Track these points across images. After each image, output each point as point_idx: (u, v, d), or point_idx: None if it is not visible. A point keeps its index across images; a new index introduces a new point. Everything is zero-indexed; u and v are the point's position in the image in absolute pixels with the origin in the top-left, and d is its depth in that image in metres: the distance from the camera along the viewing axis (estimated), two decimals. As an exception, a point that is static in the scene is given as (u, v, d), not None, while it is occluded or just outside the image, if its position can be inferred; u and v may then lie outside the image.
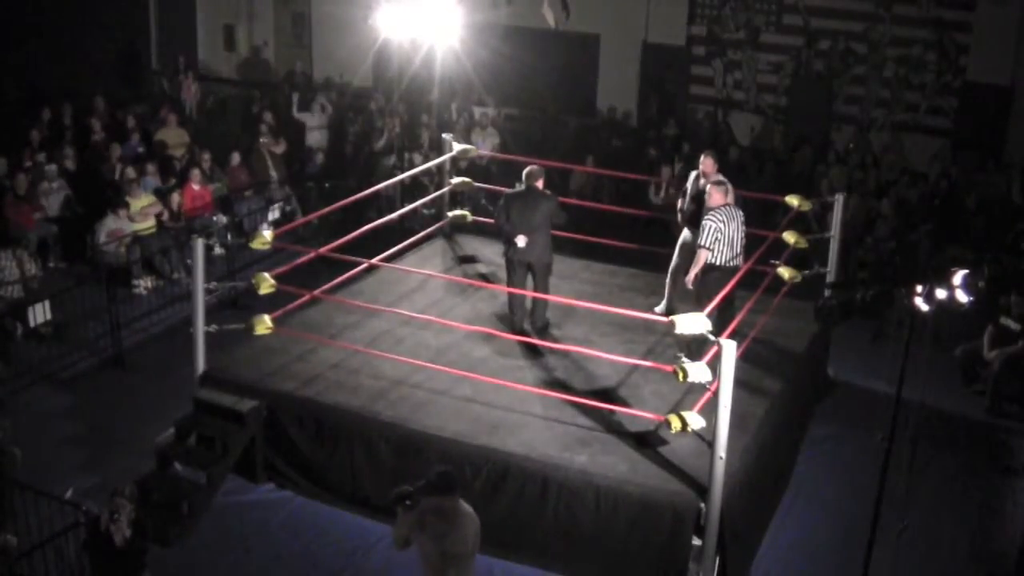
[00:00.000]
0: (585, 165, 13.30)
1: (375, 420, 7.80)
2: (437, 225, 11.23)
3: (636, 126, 16.18)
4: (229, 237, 12.76)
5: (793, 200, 9.55)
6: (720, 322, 7.84)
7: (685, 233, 9.45)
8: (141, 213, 12.19)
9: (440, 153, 11.10)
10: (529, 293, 8.97)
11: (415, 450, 7.58)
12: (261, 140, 14.31)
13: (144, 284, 11.84)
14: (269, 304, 8.66)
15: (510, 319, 9.10)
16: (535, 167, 9.04)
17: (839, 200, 9.86)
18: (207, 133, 15.36)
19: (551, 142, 15.33)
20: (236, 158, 13.85)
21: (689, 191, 9.38)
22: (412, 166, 13.30)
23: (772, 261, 9.12)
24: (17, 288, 10.65)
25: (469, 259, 10.76)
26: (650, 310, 9.12)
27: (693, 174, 9.42)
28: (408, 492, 5.77)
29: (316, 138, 15.47)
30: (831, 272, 9.82)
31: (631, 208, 11.88)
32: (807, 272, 9.41)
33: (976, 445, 9.15)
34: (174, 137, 14.51)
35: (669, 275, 9.52)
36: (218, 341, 8.45)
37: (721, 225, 8.48)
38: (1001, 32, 14.18)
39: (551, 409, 7.81)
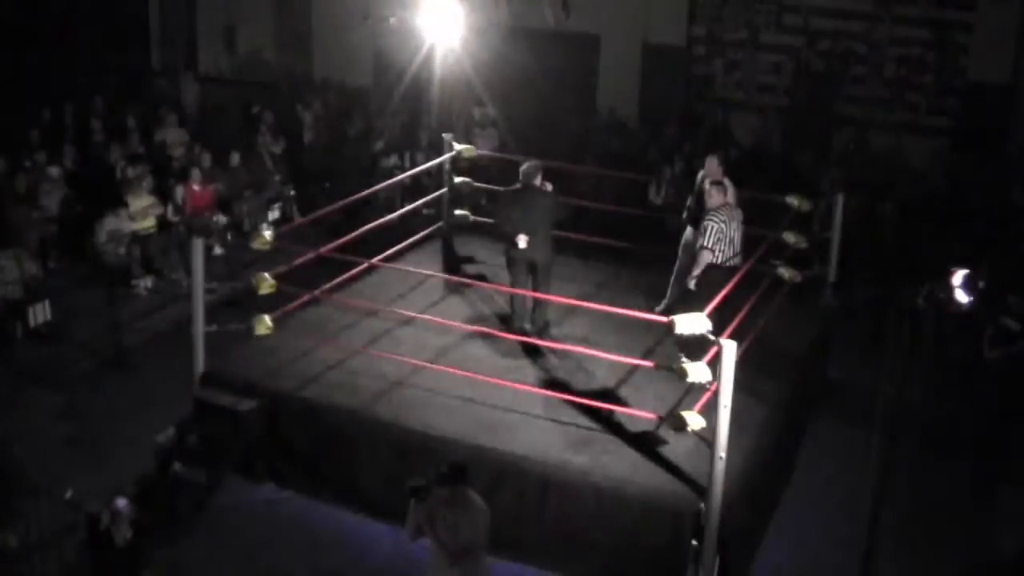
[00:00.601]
0: (585, 165, 13.29)
1: (375, 420, 7.80)
2: (437, 225, 11.23)
3: (636, 126, 16.17)
4: (229, 237, 12.78)
5: (793, 200, 9.56)
6: (720, 322, 7.83)
7: (687, 233, 9.47)
8: (141, 213, 12.20)
9: (440, 153, 11.09)
10: (530, 293, 8.97)
11: (415, 450, 7.58)
12: (260, 140, 14.32)
13: (144, 284, 11.84)
14: (269, 304, 8.66)
15: (510, 319, 9.10)
16: (531, 164, 8.98)
17: (839, 200, 9.86)
18: (207, 133, 15.36)
19: (551, 142, 15.32)
20: (236, 158, 13.85)
21: (695, 192, 9.42)
22: (412, 166, 13.30)
23: (772, 261, 9.13)
24: (17, 288, 10.65)
25: (469, 259, 10.76)
26: (650, 310, 9.11)
27: (701, 174, 9.44)
28: (421, 484, 5.82)
29: (312, 137, 15.46)
30: (831, 272, 9.82)
31: (631, 208, 11.88)
32: (807, 272, 9.42)
33: (976, 445, 9.14)
34: (174, 137, 14.51)
35: (674, 275, 9.54)
36: (218, 341, 8.45)
37: (723, 226, 8.53)
38: (1001, 32, 14.17)
39: (551, 409, 7.81)
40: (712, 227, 8.53)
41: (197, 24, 19.10)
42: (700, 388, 7.11)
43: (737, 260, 8.62)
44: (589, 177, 13.21)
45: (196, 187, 12.78)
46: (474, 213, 11.33)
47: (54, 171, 12.80)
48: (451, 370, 8.10)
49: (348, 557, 7.52)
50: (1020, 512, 8.15)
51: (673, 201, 12.80)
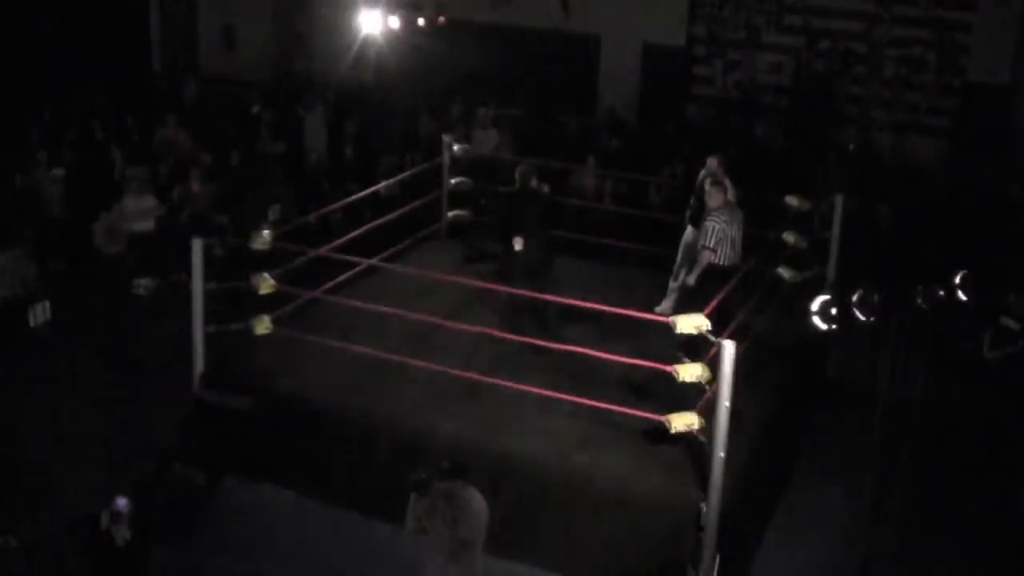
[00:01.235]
0: (585, 165, 13.29)
1: (375, 420, 7.80)
2: (437, 225, 11.23)
3: (636, 126, 16.17)
4: (229, 237, 12.77)
5: (793, 200, 9.56)
6: (720, 322, 7.83)
7: (687, 233, 9.47)
8: (141, 213, 12.19)
9: (440, 153, 11.09)
10: (528, 293, 8.97)
11: (414, 450, 7.58)
12: (260, 140, 14.33)
13: (144, 284, 11.84)
14: (269, 304, 8.66)
15: (510, 319, 9.09)
16: (526, 165, 9.03)
17: (839, 200, 9.86)
18: (207, 133, 15.36)
19: (551, 142, 15.32)
20: (236, 158, 13.85)
21: (695, 191, 9.42)
22: (412, 166, 13.29)
23: (772, 261, 9.13)
24: (17, 288, 10.65)
25: (469, 260, 10.75)
26: (650, 310, 9.11)
27: (702, 174, 9.45)
28: (422, 479, 5.86)
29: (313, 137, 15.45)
30: (831, 272, 9.82)
31: (631, 208, 11.88)
32: (807, 272, 9.42)
33: (976, 445, 9.14)
34: (174, 137, 14.51)
35: (673, 275, 9.54)
36: (218, 341, 8.45)
37: (724, 226, 8.54)
38: (1001, 32, 14.18)
39: (551, 409, 7.80)
40: (713, 227, 8.54)
41: (197, 24, 19.11)
42: (700, 388, 7.11)
43: (737, 260, 8.62)
44: (589, 177, 13.21)
45: (196, 187, 12.78)
46: (474, 213, 11.33)
47: (54, 171, 12.80)
48: (451, 370, 8.10)
49: (348, 557, 7.51)
50: (1021, 512, 8.15)
51: (673, 201, 12.79)
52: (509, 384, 7.94)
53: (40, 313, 10.46)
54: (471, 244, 10.92)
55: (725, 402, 6.62)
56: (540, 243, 8.87)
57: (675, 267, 9.59)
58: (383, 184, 11.78)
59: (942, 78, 14.74)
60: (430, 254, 10.76)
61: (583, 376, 8.27)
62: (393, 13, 13.39)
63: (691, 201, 9.62)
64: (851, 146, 14.78)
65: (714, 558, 6.86)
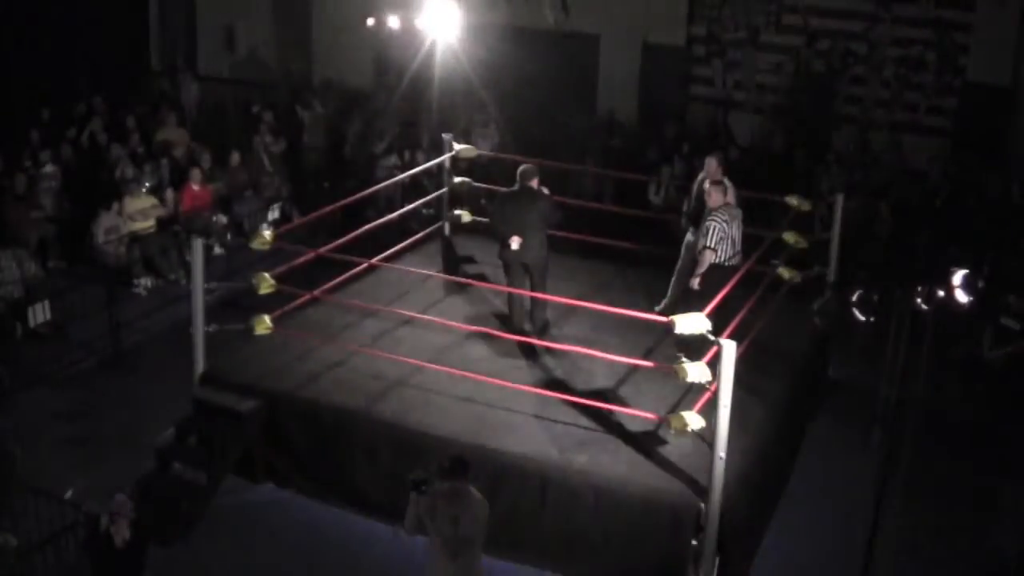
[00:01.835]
0: (585, 165, 13.29)
1: (375, 420, 7.81)
2: (437, 225, 11.23)
3: (636, 126, 16.16)
4: (229, 237, 12.77)
5: (793, 200, 9.56)
6: (720, 322, 7.84)
7: (688, 233, 9.47)
8: (141, 213, 12.19)
9: (440, 153, 11.09)
10: (527, 293, 8.97)
11: (414, 450, 7.58)
12: (260, 140, 14.31)
13: (144, 284, 11.84)
14: (269, 304, 8.66)
15: (509, 319, 9.10)
16: (529, 166, 9.04)
17: (839, 200, 9.86)
18: (207, 133, 15.36)
19: (551, 142, 15.31)
20: (236, 158, 13.85)
21: (694, 192, 9.42)
22: (412, 166, 13.29)
23: (772, 261, 9.13)
24: (17, 288, 10.65)
25: (469, 259, 10.76)
26: (650, 310, 9.11)
27: (701, 175, 9.45)
28: (423, 478, 5.87)
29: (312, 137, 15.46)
30: (831, 272, 9.82)
31: (631, 208, 11.87)
32: (807, 272, 9.42)
33: (976, 445, 9.14)
34: (174, 137, 14.51)
35: (675, 275, 9.54)
36: (218, 341, 8.45)
37: (724, 225, 8.56)
38: (1001, 32, 14.15)
39: (551, 409, 7.80)
40: (714, 227, 8.56)
41: (197, 24, 19.09)
42: (700, 388, 7.11)
43: (737, 260, 8.64)
44: (589, 177, 13.21)
45: (196, 187, 12.78)
46: (474, 213, 11.33)
47: (54, 171, 12.79)
48: (451, 370, 8.10)
49: (348, 557, 7.52)
50: (1021, 511, 8.15)
51: (673, 201, 12.80)
52: (509, 384, 7.94)
53: (40, 313, 10.45)
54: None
55: (725, 402, 6.62)
56: (538, 243, 8.88)
57: (677, 268, 9.58)
58: (383, 184, 11.77)
59: (942, 78, 14.72)
60: (430, 254, 10.76)
61: (583, 376, 8.27)
62: (393, 13, 13.38)
63: (691, 202, 9.61)
64: (851, 146, 14.77)
65: (714, 558, 6.86)
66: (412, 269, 9.87)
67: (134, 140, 14.17)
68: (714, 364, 6.76)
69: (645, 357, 8.26)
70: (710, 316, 7.16)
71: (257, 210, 13.29)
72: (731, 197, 8.97)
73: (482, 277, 10.06)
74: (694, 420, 7.01)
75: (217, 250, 12.41)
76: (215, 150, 13.83)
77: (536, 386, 8.05)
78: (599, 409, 7.69)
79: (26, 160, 12.92)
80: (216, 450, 8.00)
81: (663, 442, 7.42)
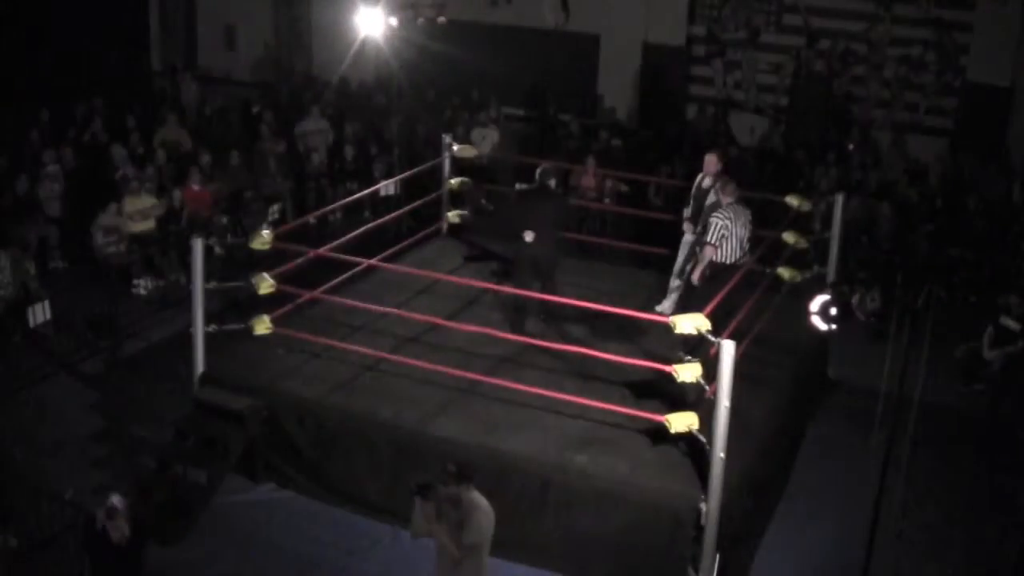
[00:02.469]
0: (585, 165, 13.30)
1: (375, 420, 7.81)
2: (436, 225, 11.23)
3: (636, 126, 16.17)
4: (229, 237, 12.77)
5: (793, 200, 9.56)
6: (720, 322, 7.83)
7: (687, 233, 9.47)
8: (141, 213, 12.18)
9: (440, 153, 11.09)
10: (526, 293, 8.97)
11: (414, 450, 7.59)
12: (260, 140, 14.31)
13: (144, 284, 11.83)
14: (269, 304, 8.66)
15: (512, 318, 9.11)
16: (548, 165, 9.18)
17: (839, 200, 9.86)
18: (207, 133, 15.36)
19: (551, 142, 15.33)
20: (236, 158, 13.85)
21: (693, 192, 9.41)
22: (411, 166, 13.28)
23: (772, 261, 9.13)
24: (17, 288, 10.64)
25: (469, 259, 10.76)
26: (650, 310, 9.11)
27: (700, 175, 9.44)
28: (428, 483, 5.84)
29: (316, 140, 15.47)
30: (831, 272, 9.82)
31: (631, 208, 11.87)
32: (807, 272, 9.41)
33: (976, 445, 9.14)
34: (174, 137, 14.51)
35: (673, 274, 9.54)
36: (218, 341, 8.45)
37: (728, 223, 8.51)
38: (1001, 32, 14.17)
39: (551, 409, 7.80)
40: (717, 223, 8.53)
41: (197, 24, 19.11)
42: (700, 388, 7.11)
43: (743, 258, 8.62)
44: (589, 177, 13.20)
45: (196, 187, 12.78)
46: (473, 213, 11.33)
47: (54, 171, 12.79)
48: (451, 370, 8.10)
49: (347, 557, 7.51)
50: (1021, 511, 8.15)
51: (673, 201, 12.78)
52: (509, 384, 7.94)
53: (40, 313, 10.45)
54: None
55: (725, 402, 6.62)
56: (550, 241, 8.93)
57: (675, 267, 9.58)
58: (383, 184, 11.77)
59: (942, 78, 14.74)
60: (430, 254, 10.76)
61: (583, 376, 8.27)
62: (393, 13, 13.37)
63: (691, 202, 9.59)
64: (851, 146, 14.79)
65: (714, 558, 6.86)
66: (412, 270, 9.87)
67: (134, 140, 14.17)
68: (714, 364, 6.76)
69: (645, 357, 8.26)
70: (710, 316, 7.16)
71: (257, 210, 13.28)
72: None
73: (482, 277, 10.06)
74: (694, 420, 7.01)
75: (217, 250, 12.40)
76: (215, 150, 13.83)
77: (536, 386, 8.05)
78: (599, 409, 7.69)
79: (27, 160, 12.91)
80: (216, 450, 8.01)
81: (663, 442, 7.41)
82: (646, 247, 10.29)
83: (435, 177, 11.28)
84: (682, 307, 8.64)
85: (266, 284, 8.41)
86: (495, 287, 9.57)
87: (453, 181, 11.05)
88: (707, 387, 6.99)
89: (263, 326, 8.41)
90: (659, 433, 7.45)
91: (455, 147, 10.94)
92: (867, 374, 9.63)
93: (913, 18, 14.71)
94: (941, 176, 13.71)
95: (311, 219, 10.99)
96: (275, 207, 13.47)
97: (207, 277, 8.39)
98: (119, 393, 9.64)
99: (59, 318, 10.54)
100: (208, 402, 8.17)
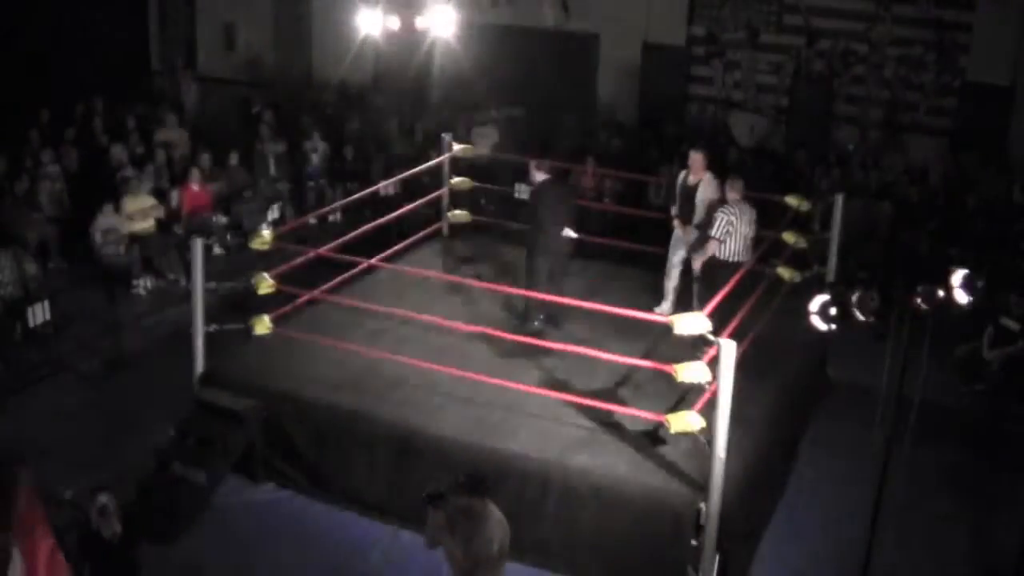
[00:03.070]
0: (585, 165, 13.31)
1: (375, 420, 7.80)
2: (436, 225, 11.23)
3: (636, 126, 16.17)
4: (229, 237, 12.78)
5: (793, 200, 9.56)
6: (720, 322, 7.84)
7: (676, 232, 9.48)
8: (141, 213, 12.19)
9: (440, 153, 11.09)
10: (526, 293, 8.97)
11: (415, 450, 7.59)
12: (260, 140, 14.31)
13: (144, 284, 11.84)
14: (269, 304, 8.66)
15: (519, 316, 9.13)
16: (540, 160, 9.24)
17: (839, 200, 9.86)
18: (207, 133, 15.36)
19: (551, 142, 15.31)
20: (236, 158, 13.85)
21: (678, 189, 9.43)
22: (411, 166, 13.28)
23: (772, 261, 9.13)
24: (17, 288, 10.64)
25: (469, 259, 10.76)
26: (650, 310, 9.12)
27: (683, 173, 9.47)
28: (439, 492, 5.75)
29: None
30: (831, 272, 9.82)
31: (631, 208, 11.86)
32: (807, 272, 9.41)
33: (976, 445, 9.15)
34: (174, 137, 14.51)
35: (665, 275, 9.55)
36: (218, 341, 8.45)
37: (733, 219, 8.57)
38: (1001, 32, 14.16)
39: (551, 409, 7.80)
40: (722, 217, 8.58)
41: (197, 24, 19.09)
42: (700, 388, 7.11)
43: (746, 257, 8.64)
44: (589, 177, 13.20)
45: (196, 187, 12.78)
46: (474, 213, 11.33)
47: (54, 171, 12.79)
48: (451, 370, 8.09)
49: (347, 557, 7.51)
50: (1020, 511, 8.14)
51: (673, 201, 12.78)
52: (509, 384, 7.94)
53: (40, 313, 10.45)
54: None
55: (725, 402, 6.62)
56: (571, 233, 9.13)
57: (667, 267, 9.58)
58: (382, 184, 11.77)
59: (942, 78, 14.73)
60: (430, 254, 10.76)
61: (583, 376, 8.27)
62: (392, 13, 13.36)
63: (677, 199, 9.58)
64: (851, 146, 14.78)
65: (714, 558, 6.86)
66: (412, 269, 9.87)
67: (134, 140, 14.17)
68: (714, 364, 6.76)
69: (645, 357, 8.26)
70: (710, 316, 7.16)
71: (257, 210, 13.29)
72: (714, 194, 9.04)
73: (482, 277, 10.06)
74: (694, 420, 7.01)
75: (217, 250, 12.41)
76: (215, 150, 13.83)
77: (536, 386, 8.05)
78: (599, 409, 7.69)
79: (27, 160, 12.91)
80: (216, 450, 8.01)
81: (663, 442, 7.42)
82: (646, 247, 10.28)
83: (435, 177, 11.29)
84: (681, 307, 8.65)
85: (266, 284, 8.41)
86: (495, 287, 9.57)
87: (453, 181, 11.05)
88: (707, 387, 6.99)
89: (263, 326, 8.41)
90: (659, 433, 7.45)
91: (455, 147, 10.94)
92: (867, 374, 9.63)
93: (913, 18, 14.70)
94: (941, 176, 13.71)
95: (311, 219, 10.99)
96: (275, 207, 13.49)
97: (207, 277, 8.39)
98: (119, 393, 9.64)
99: (59, 318, 10.54)
100: (208, 402, 8.17)
